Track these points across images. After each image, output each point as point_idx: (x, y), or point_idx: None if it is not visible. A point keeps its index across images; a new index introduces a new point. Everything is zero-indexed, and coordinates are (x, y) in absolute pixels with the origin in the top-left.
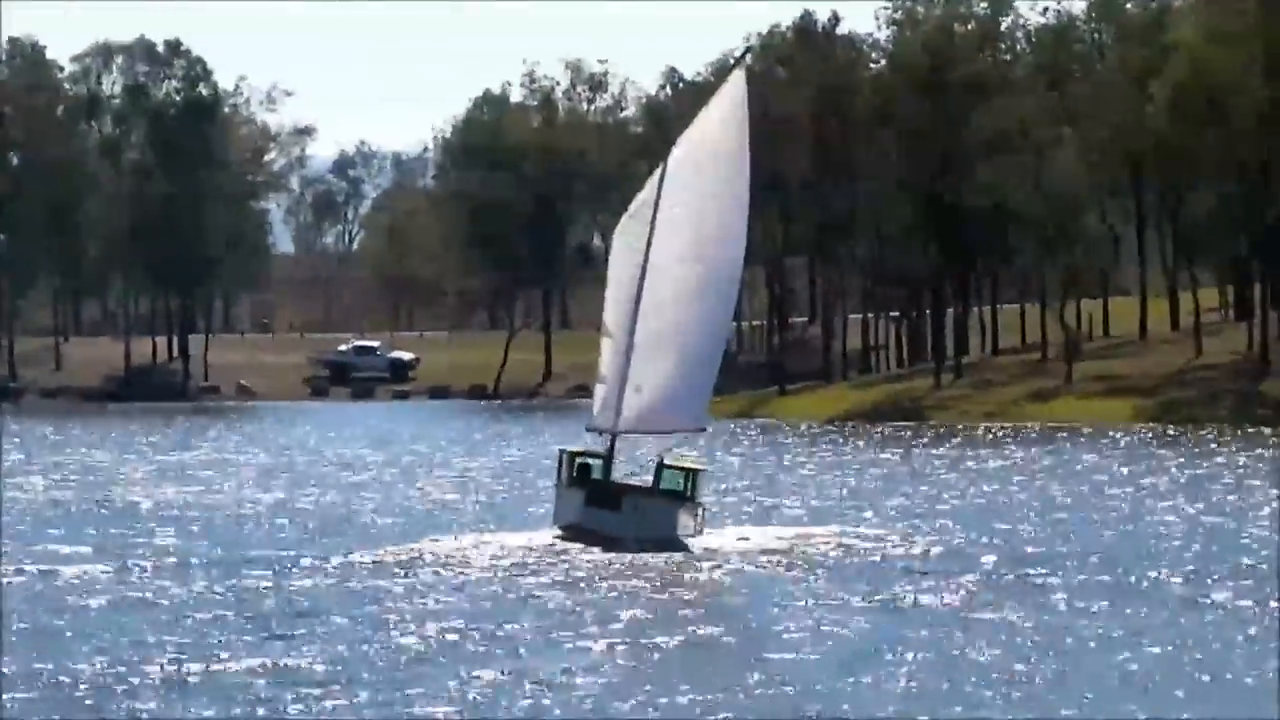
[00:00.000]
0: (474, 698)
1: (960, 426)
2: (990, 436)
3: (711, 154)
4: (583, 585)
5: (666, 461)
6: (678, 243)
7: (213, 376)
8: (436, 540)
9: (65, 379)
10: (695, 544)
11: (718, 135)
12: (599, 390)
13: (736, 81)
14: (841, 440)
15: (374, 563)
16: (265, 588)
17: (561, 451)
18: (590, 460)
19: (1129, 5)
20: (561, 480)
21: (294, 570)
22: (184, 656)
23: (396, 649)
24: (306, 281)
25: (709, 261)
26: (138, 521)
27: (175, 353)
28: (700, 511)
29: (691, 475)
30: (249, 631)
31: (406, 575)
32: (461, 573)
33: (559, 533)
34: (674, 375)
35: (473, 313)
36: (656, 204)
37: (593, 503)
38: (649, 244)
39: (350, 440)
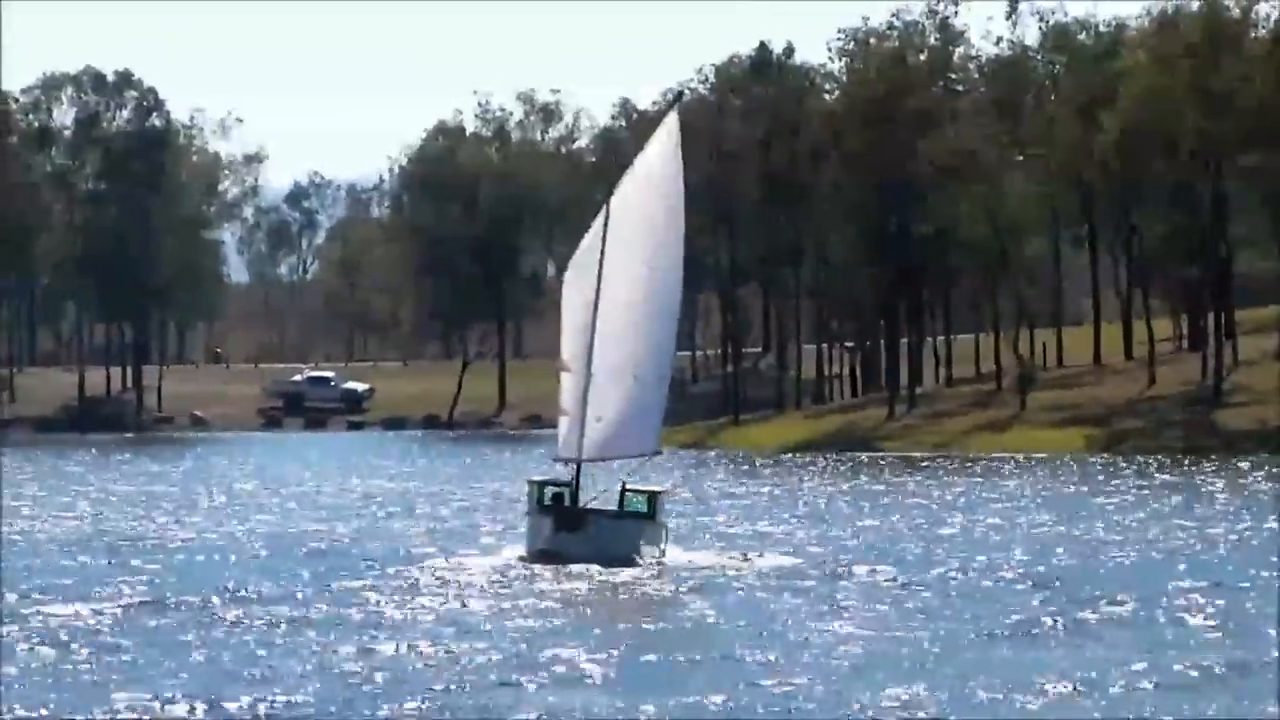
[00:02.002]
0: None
1: (910, 457)
2: (927, 466)
3: (650, 193)
4: (558, 601)
5: (629, 485)
6: (624, 278)
7: (166, 407)
8: (412, 566)
9: (19, 410)
10: (658, 562)
11: (655, 175)
12: (563, 421)
13: (671, 123)
14: (791, 470)
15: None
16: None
17: (530, 481)
18: (558, 488)
19: (1081, 35)
20: (531, 508)
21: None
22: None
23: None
24: (261, 311)
25: (653, 294)
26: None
27: (129, 383)
28: (663, 531)
29: (653, 497)
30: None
31: (391, 600)
32: (445, 595)
33: (530, 557)
34: (628, 404)
35: (426, 343)
36: (604, 242)
37: (561, 527)
38: (599, 280)
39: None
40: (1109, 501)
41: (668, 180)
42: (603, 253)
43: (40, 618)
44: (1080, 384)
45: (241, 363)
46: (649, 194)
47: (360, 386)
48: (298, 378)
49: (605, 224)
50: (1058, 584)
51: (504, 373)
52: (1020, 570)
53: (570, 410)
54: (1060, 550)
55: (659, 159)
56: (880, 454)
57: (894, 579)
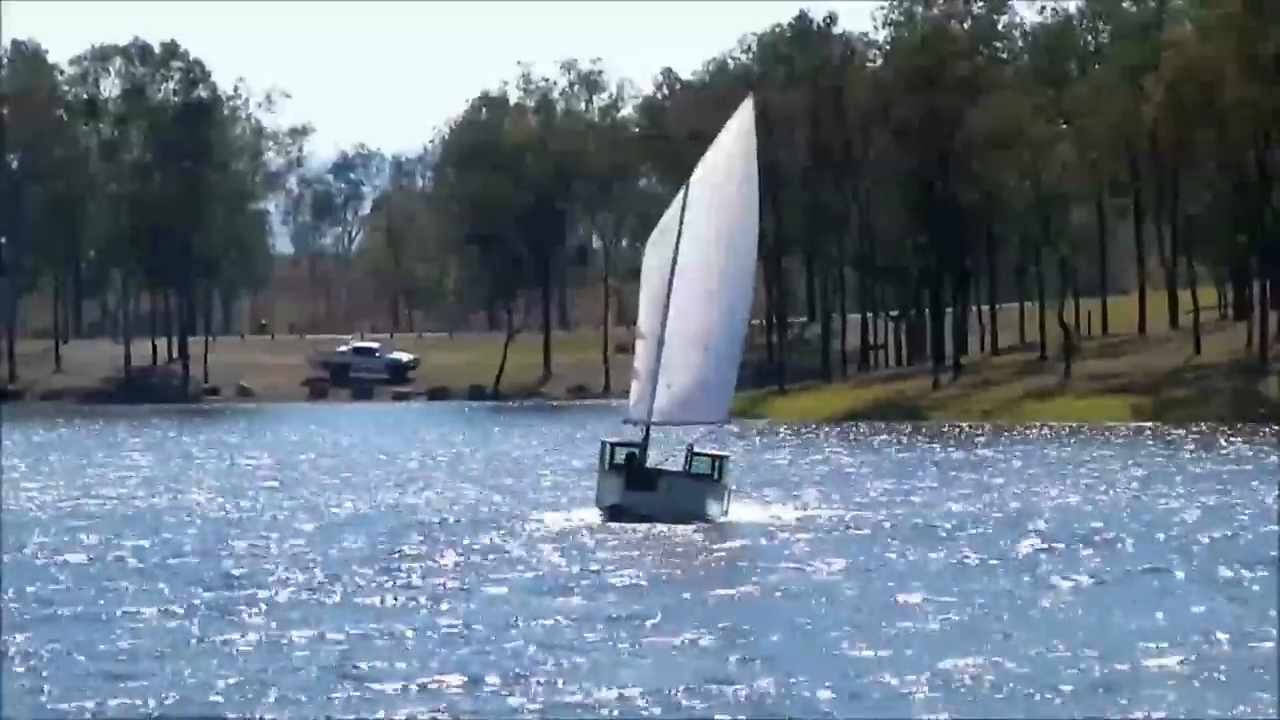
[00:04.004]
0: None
1: (957, 425)
2: (964, 435)
3: (726, 176)
4: (633, 552)
5: (696, 449)
6: (700, 253)
7: (212, 377)
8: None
9: (65, 380)
10: (722, 520)
11: (732, 157)
12: (635, 386)
13: (745, 110)
14: (831, 439)
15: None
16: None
17: (603, 442)
18: (628, 449)
19: (1125, 3)
20: (603, 467)
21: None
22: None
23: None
24: (306, 282)
25: (727, 270)
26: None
27: (175, 354)
28: (726, 492)
29: (718, 461)
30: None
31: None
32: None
33: (602, 513)
34: (699, 373)
35: (472, 313)
36: (681, 221)
37: (631, 486)
38: (675, 256)
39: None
40: None
41: (743, 162)
42: (680, 229)
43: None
44: (1125, 353)
45: (287, 333)
46: (726, 175)
47: (405, 357)
48: (343, 348)
49: (684, 202)
50: None
51: (549, 344)
52: None
53: (643, 376)
54: None
55: (735, 142)
56: (929, 423)
57: None
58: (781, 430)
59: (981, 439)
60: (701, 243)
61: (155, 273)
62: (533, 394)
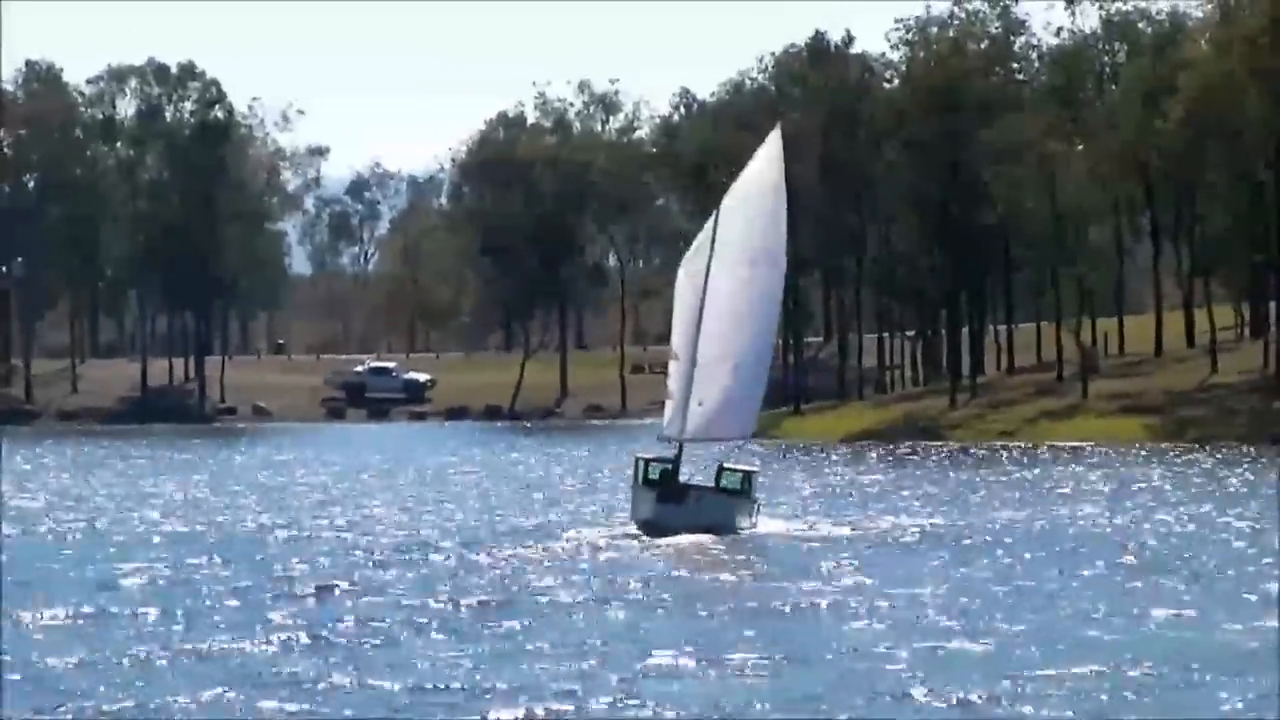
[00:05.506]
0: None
1: (976, 445)
2: (983, 455)
3: (757, 203)
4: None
5: (726, 465)
6: (730, 276)
7: (229, 398)
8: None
9: (82, 401)
10: (749, 532)
11: (761, 183)
12: (668, 405)
13: (774, 140)
14: (848, 458)
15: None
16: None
17: (637, 458)
18: (662, 465)
19: (1141, 24)
20: (637, 482)
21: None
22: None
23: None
24: (322, 302)
25: (755, 292)
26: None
27: (191, 374)
28: (755, 506)
29: (747, 476)
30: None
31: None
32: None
33: (636, 526)
34: (727, 391)
35: (488, 333)
36: (713, 244)
37: (663, 499)
38: (707, 278)
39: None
40: None
41: (773, 189)
42: (711, 253)
43: None
44: (1142, 372)
45: (303, 353)
46: (757, 202)
47: (422, 377)
48: (359, 369)
49: (715, 226)
50: None
51: (565, 362)
52: None
53: (676, 395)
54: None
55: (766, 170)
56: (945, 443)
57: None
58: (798, 450)
59: (1004, 456)
60: (732, 267)
61: (172, 293)
62: (549, 413)
